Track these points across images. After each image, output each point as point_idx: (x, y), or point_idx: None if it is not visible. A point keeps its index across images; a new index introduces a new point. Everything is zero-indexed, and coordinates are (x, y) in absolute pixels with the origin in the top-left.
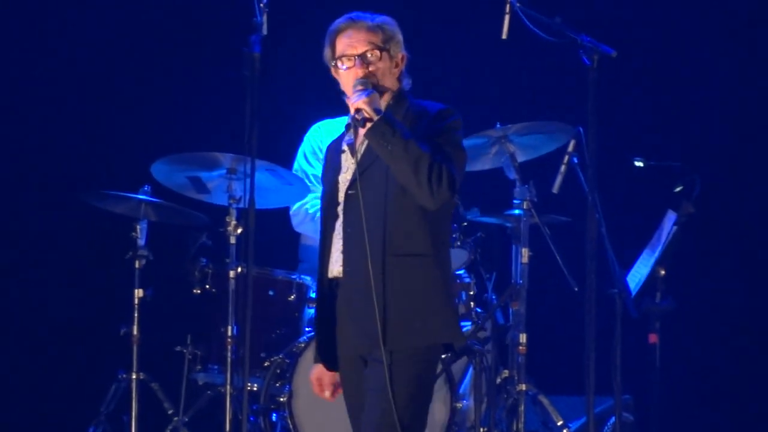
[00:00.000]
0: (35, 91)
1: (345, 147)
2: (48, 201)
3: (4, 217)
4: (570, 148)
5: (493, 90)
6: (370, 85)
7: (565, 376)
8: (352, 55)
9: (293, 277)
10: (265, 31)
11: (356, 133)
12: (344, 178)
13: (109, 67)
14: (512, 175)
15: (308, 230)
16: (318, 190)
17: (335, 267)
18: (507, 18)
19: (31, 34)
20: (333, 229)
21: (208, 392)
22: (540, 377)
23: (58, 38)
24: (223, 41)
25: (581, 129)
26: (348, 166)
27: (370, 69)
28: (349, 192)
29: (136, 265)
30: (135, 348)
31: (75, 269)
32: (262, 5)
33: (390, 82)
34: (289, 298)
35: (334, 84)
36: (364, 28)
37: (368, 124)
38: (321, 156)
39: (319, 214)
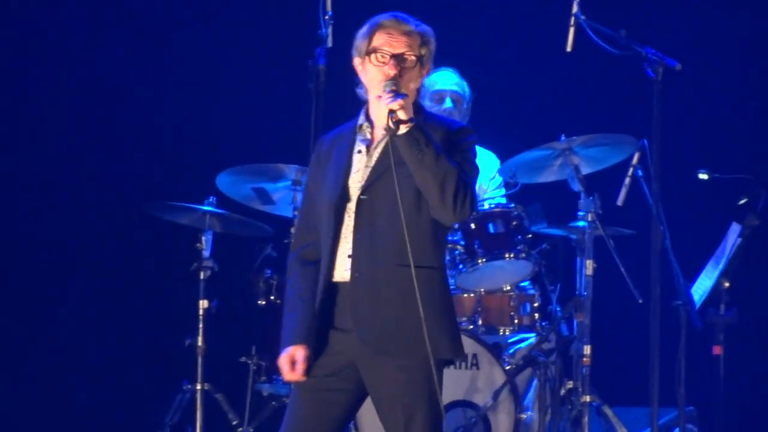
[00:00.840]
0: (102, 103)
1: (362, 147)
2: (114, 213)
3: (71, 229)
4: (634, 161)
5: (558, 102)
6: (401, 88)
7: (629, 388)
8: (389, 53)
9: None
10: (329, 44)
11: (372, 135)
12: (355, 179)
13: (176, 79)
14: (577, 187)
15: None
16: None
17: (341, 271)
18: (572, 31)
19: (98, 47)
20: (339, 230)
21: (273, 403)
22: (604, 388)
23: (125, 51)
24: (289, 54)
25: (646, 141)
26: (360, 167)
27: (401, 72)
28: (362, 197)
29: (201, 276)
30: (200, 359)
31: (140, 280)
32: (327, 18)
33: (412, 90)
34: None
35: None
36: (406, 31)
37: (402, 127)
38: None
39: None
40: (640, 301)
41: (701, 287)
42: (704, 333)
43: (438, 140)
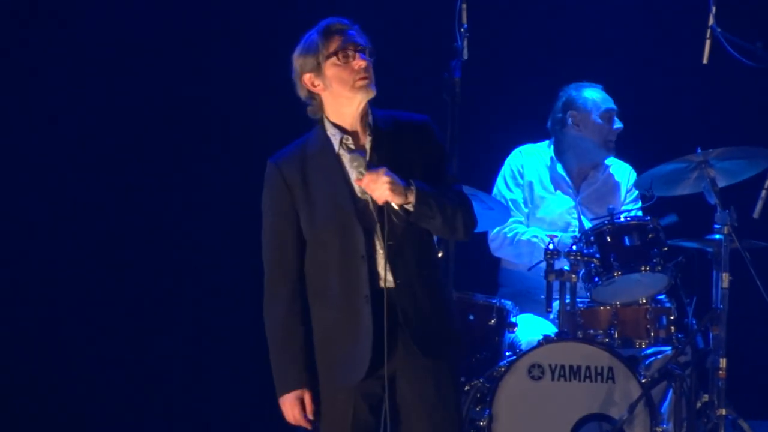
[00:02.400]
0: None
1: (349, 156)
2: (216, 212)
3: (174, 231)
4: None
5: (694, 115)
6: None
7: (765, 401)
8: (361, 46)
9: (493, 301)
10: (465, 56)
11: (357, 144)
12: (360, 191)
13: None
14: (713, 200)
15: (507, 254)
16: (517, 215)
17: (382, 278)
18: (708, 43)
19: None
20: (361, 237)
21: None
22: (740, 402)
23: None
24: (425, 66)
25: None
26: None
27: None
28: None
29: None
30: None
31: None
32: (462, 30)
33: None
34: (490, 323)
35: (535, 108)
36: (355, 28)
37: (408, 206)
38: (521, 181)
39: (518, 238)
40: None
41: None
42: None
43: (409, 141)
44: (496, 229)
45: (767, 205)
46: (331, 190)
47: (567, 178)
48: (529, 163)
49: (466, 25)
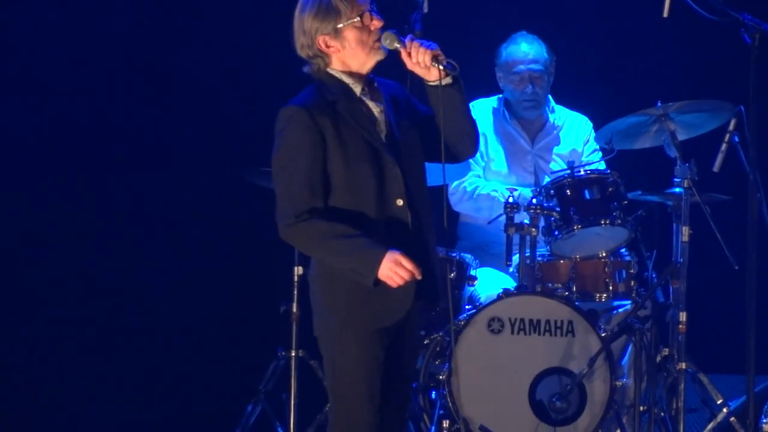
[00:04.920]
0: (202, 70)
1: (380, 106)
2: (208, 179)
3: (164, 195)
4: (731, 127)
5: (654, 68)
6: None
7: (725, 355)
8: (366, 8)
9: (453, 254)
10: (426, 9)
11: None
12: (380, 129)
13: (275, 55)
14: (673, 153)
15: (467, 209)
16: (476, 168)
17: (406, 220)
18: None
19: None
20: (399, 178)
21: None
22: (700, 356)
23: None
24: (385, 19)
25: (742, 108)
26: (380, 120)
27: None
28: (399, 140)
29: None
30: (294, 326)
31: (235, 247)
32: None
33: None
34: (449, 276)
35: (484, 63)
36: None
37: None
38: None
39: (477, 192)
40: (737, 268)
41: None
42: None
43: (400, 100)
44: (455, 183)
45: (727, 159)
46: (363, 134)
47: (521, 131)
48: (481, 117)
49: None
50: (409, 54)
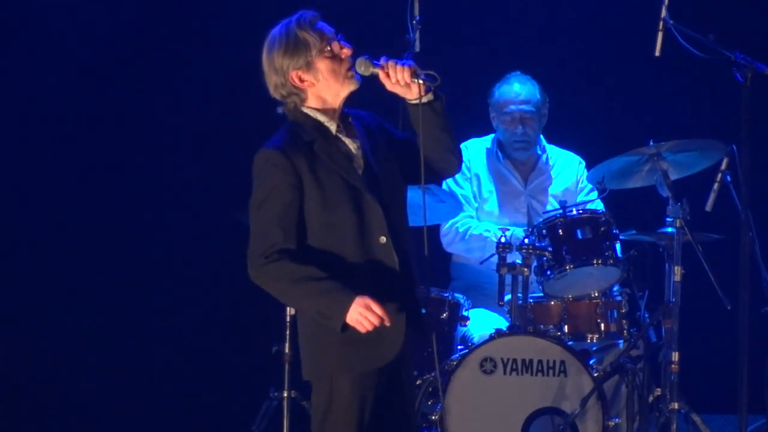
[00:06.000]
0: (195, 106)
1: (356, 142)
2: (200, 218)
3: (160, 235)
4: (723, 166)
5: (646, 107)
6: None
7: (717, 395)
8: (333, 38)
9: (445, 295)
10: (417, 48)
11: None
12: (358, 165)
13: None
14: (665, 192)
15: (459, 250)
16: (468, 209)
17: (382, 238)
18: (660, 35)
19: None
20: (379, 213)
21: None
22: (692, 395)
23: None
24: (376, 58)
25: (734, 147)
26: (356, 156)
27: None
28: (378, 176)
29: None
30: (287, 366)
31: (227, 287)
32: (414, 22)
33: None
34: (442, 316)
35: (480, 103)
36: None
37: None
38: (468, 175)
39: (470, 233)
40: (729, 307)
41: None
42: None
43: (375, 130)
44: (449, 224)
45: (719, 198)
46: (341, 173)
47: (513, 171)
48: (475, 157)
49: (418, 17)
50: (387, 74)
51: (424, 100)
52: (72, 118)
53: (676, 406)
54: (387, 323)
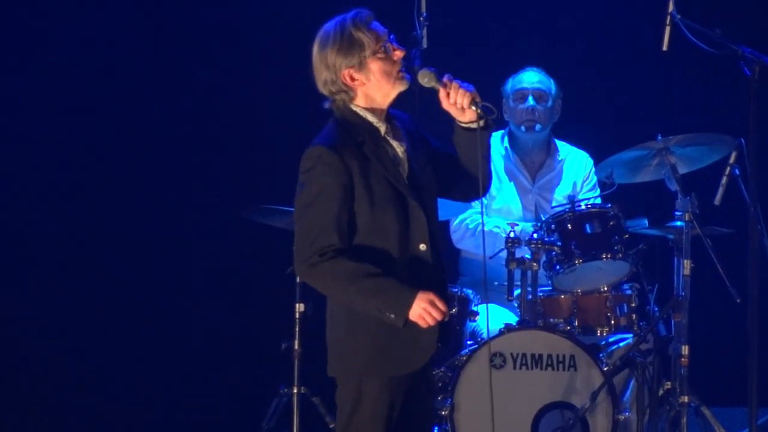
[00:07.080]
0: (201, 107)
1: (402, 145)
2: (209, 216)
3: (169, 233)
4: (731, 160)
5: (654, 101)
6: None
7: (727, 388)
8: (386, 38)
9: (455, 290)
10: (425, 45)
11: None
12: (404, 170)
13: (271, 81)
14: (673, 186)
15: (468, 246)
16: (477, 206)
17: (428, 264)
18: (668, 30)
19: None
20: (423, 222)
21: None
22: (702, 389)
23: (222, 53)
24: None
25: (743, 140)
26: (401, 161)
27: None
28: (422, 183)
29: (297, 280)
30: (296, 362)
31: (236, 284)
32: (421, 19)
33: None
34: (451, 312)
35: (488, 99)
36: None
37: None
38: None
39: (479, 229)
40: (738, 301)
41: None
42: None
43: (416, 136)
44: (458, 220)
45: (728, 192)
46: (388, 177)
47: (522, 168)
48: None
49: (425, 14)
50: (448, 94)
51: (473, 126)
52: (78, 116)
53: (686, 399)
54: (446, 318)
